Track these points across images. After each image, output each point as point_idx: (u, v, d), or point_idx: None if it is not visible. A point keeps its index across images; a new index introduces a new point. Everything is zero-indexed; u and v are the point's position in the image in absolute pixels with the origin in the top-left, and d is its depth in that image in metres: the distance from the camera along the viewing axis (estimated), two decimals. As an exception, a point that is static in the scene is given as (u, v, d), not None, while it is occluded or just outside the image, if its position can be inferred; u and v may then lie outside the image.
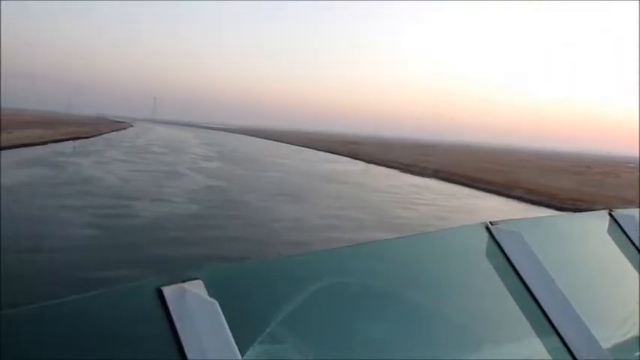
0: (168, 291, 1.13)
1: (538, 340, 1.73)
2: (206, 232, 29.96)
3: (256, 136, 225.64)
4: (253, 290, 1.28)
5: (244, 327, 1.12)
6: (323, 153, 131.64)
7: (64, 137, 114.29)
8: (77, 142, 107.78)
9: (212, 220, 33.50)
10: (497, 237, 1.87)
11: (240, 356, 1.02)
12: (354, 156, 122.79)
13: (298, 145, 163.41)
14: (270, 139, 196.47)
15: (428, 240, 2.00)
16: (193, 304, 1.10)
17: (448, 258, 1.93)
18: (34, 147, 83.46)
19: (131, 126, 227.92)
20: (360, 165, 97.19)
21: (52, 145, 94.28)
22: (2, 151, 69.49)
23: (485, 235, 1.92)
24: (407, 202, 49.92)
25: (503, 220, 2.01)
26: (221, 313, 1.07)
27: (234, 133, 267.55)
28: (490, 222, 1.96)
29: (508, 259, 1.82)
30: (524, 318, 1.75)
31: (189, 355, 1.05)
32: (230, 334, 1.04)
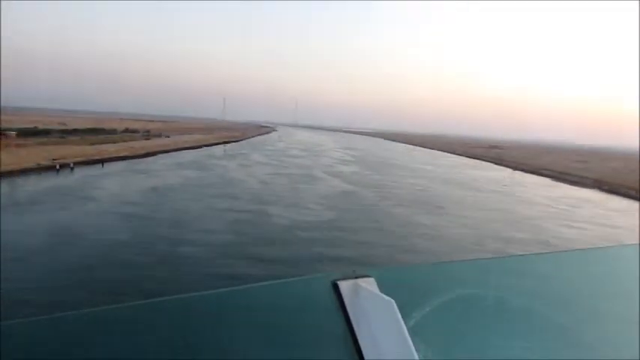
0: (343, 285, 1.19)
1: None
2: (341, 241, 28.68)
3: (395, 140, 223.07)
4: (416, 291, 1.31)
5: (410, 327, 1.13)
6: (464, 158, 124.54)
7: (217, 141, 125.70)
8: (227, 145, 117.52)
9: (346, 229, 31.91)
10: None
11: (417, 356, 1.03)
12: (498, 161, 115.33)
13: (437, 150, 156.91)
14: (409, 144, 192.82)
15: (578, 257, 1.85)
16: (368, 300, 1.16)
17: (599, 278, 1.76)
18: (191, 150, 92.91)
19: (274, 130, 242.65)
20: (506, 172, 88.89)
21: (207, 148, 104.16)
22: (161, 154, 77.90)
23: None
24: (565, 218, 43.17)
25: None
26: (398, 311, 1.09)
27: (372, 136, 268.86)
28: None
29: None
30: None
31: (364, 348, 1.10)
32: (407, 334, 1.06)
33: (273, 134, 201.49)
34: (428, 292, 1.29)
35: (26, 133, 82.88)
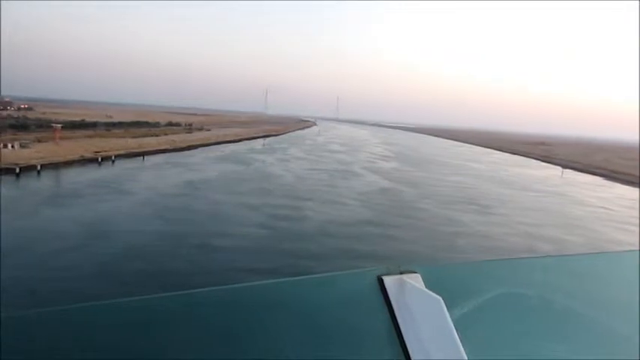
0: (388, 280, 1.18)
1: None
2: (378, 243, 27.20)
3: (437, 135, 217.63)
4: (462, 289, 1.29)
5: (455, 326, 1.10)
6: (509, 155, 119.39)
7: (257, 135, 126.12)
8: (267, 139, 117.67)
9: (384, 227, 30.84)
10: None
11: (465, 356, 1.01)
12: (547, 159, 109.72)
13: (481, 146, 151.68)
14: (452, 139, 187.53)
15: (621, 260, 1.78)
16: (414, 297, 1.15)
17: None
18: (231, 143, 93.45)
19: (315, 124, 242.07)
20: (555, 170, 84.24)
21: (247, 142, 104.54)
22: (201, 147, 78.54)
23: None
24: (622, 222, 39.86)
25: None
26: (446, 310, 1.07)
27: (414, 132, 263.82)
28: None
29: None
30: None
31: (410, 346, 1.08)
32: (455, 333, 1.04)
33: (313, 128, 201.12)
34: (474, 290, 1.28)
35: (73, 126, 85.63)
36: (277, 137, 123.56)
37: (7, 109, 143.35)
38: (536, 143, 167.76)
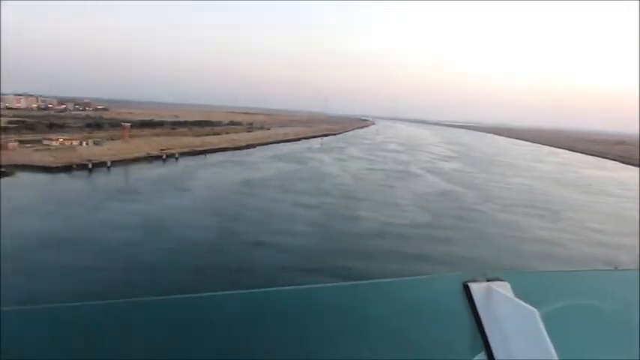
0: (475, 288, 1.14)
1: None
2: (435, 247, 25.92)
3: (504, 135, 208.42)
4: (554, 299, 1.23)
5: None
6: (582, 155, 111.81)
7: (315, 134, 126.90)
8: (325, 138, 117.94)
9: (442, 230, 29.55)
10: None
11: None
12: (626, 160, 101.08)
13: (549, 145, 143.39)
14: (517, 138, 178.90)
15: None
16: (504, 307, 1.10)
17: None
18: (289, 142, 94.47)
19: (373, 124, 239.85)
20: (634, 172, 77.61)
21: (305, 141, 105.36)
22: (260, 146, 79.82)
23: None
24: None
25: None
26: (541, 323, 1.01)
27: (476, 130, 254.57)
28: None
29: None
30: None
31: (497, 355, 1.05)
32: (553, 350, 0.98)
33: (371, 127, 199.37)
34: (566, 301, 1.21)
35: (142, 125, 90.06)
36: (335, 136, 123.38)
37: (86, 110, 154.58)
38: (613, 143, 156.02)
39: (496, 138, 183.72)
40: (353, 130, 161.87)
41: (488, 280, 1.13)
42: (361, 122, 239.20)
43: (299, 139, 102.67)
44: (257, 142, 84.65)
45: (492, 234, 29.51)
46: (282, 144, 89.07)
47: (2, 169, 41.10)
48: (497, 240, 28.20)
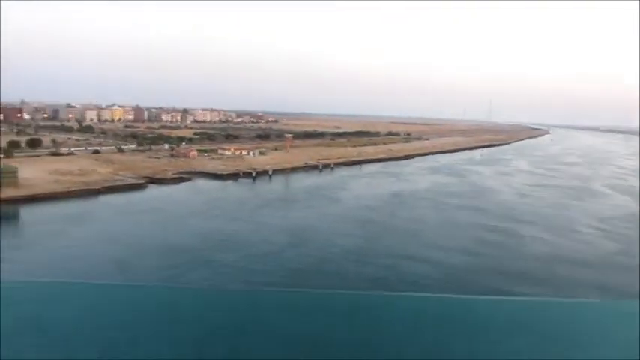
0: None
1: None
2: (624, 281, 21.39)
3: None
4: None
5: None
6: None
7: (477, 145, 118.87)
8: (488, 149, 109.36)
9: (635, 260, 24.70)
10: None
11: None
12: None
13: None
14: None
15: None
16: None
17: None
18: (448, 154, 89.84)
19: (547, 133, 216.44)
20: None
21: (465, 152, 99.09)
22: (417, 157, 77.20)
23: None
24: None
25: None
26: None
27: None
28: None
29: None
30: None
31: None
32: None
33: (545, 137, 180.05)
34: None
35: (305, 136, 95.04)
36: (501, 147, 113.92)
37: (258, 122, 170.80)
38: None
39: None
40: (522, 140, 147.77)
41: None
42: (532, 132, 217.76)
43: (459, 150, 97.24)
44: (414, 153, 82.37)
45: None
46: (440, 155, 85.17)
47: (183, 176, 47.13)
48: None
